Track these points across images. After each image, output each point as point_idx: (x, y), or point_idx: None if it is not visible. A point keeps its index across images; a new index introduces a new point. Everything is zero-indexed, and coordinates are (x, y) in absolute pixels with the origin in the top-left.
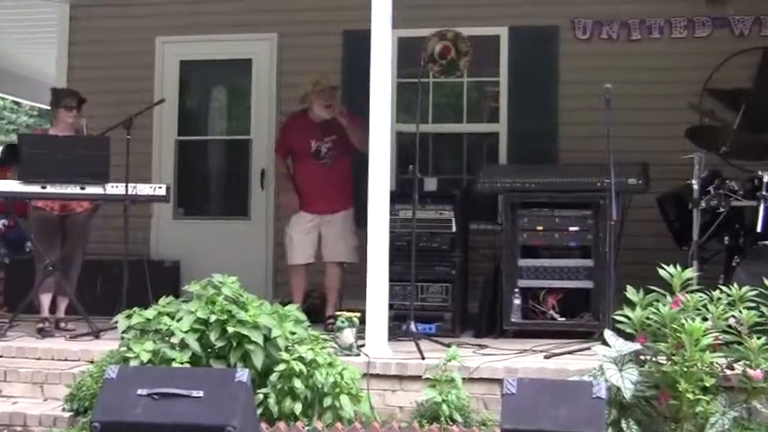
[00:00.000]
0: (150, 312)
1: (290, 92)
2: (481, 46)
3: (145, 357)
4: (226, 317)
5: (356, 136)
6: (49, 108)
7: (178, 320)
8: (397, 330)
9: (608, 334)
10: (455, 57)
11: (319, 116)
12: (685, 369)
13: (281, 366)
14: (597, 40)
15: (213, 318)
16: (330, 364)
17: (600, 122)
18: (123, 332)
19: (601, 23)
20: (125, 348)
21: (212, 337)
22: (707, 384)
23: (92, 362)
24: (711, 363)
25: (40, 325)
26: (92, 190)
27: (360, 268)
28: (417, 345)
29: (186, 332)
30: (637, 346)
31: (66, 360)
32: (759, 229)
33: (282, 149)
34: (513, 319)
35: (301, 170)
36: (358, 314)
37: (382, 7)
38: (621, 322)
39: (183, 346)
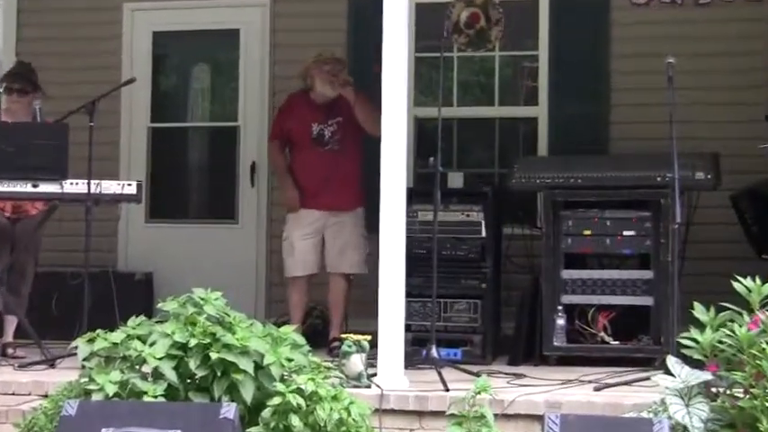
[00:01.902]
0: (117, 335)
1: (285, 69)
2: (516, 13)
3: (110, 390)
4: (208, 341)
5: (365, 113)
6: None
7: (151, 345)
8: (415, 357)
9: (672, 361)
10: (485, 26)
11: (323, 95)
12: (767, 404)
13: (276, 400)
14: (657, 4)
15: (193, 342)
16: (334, 398)
17: (661, 104)
18: (84, 359)
19: None
20: (86, 379)
21: (192, 364)
22: None
23: (45, 396)
24: None
25: None
26: (46, 188)
27: (370, 281)
28: (440, 374)
29: (161, 359)
30: (707, 375)
31: (13, 394)
32: None
33: (278, 135)
34: (555, 343)
35: (301, 159)
36: (368, 337)
37: None
38: (688, 347)
39: (158, 375)
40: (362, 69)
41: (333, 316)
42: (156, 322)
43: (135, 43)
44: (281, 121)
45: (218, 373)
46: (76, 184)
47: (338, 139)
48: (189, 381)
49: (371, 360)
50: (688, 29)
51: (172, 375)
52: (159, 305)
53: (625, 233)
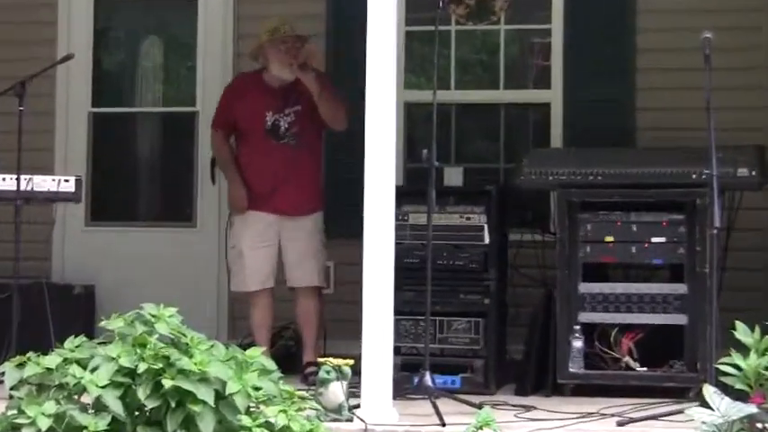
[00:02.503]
0: (52, 359)
1: (252, 45)
2: None
3: (44, 424)
4: (161, 365)
5: (329, 105)
6: None
7: (93, 371)
8: (406, 385)
9: (709, 391)
10: None
11: (279, 78)
12: None
13: None
14: None
15: (143, 367)
16: None
17: (696, 87)
18: (12, 388)
19: None
20: (15, 411)
21: (141, 394)
22: None
23: None
24: None
25: None
26: None
27: (351, 296)
28: (435, 405)
29: (104, 387)
30: (751, 408)
31: None
32: None
33: (222, 123)
34: (571, 369)
35: (251, 153)
36: (351, 361)
37: None
38: (729, 374)
39: (100, 407)
40: (344, 44)
41: (305, 337)
42: (99, 344)
43: (73, 13)
44: (226, 107)
45: (173, 404)
46: (3, 179)
47: (296, 133)
48: (137, 413)
49: (354, 389)
50: None
51: (117, 407)
52: (102, 323)
53: (654, 240)
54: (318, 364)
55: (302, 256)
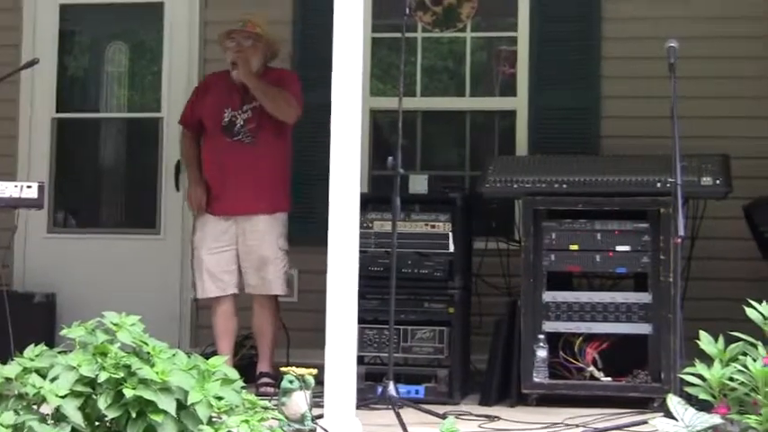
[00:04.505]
0: (12, 369)
1: (218, 50)
2: None
3: None
4: (122, 375)
5: (263, 97)
6: None
7: (53, 380)
8: (369, 394)
9: (674, 401)
10: (455, 2)
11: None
12: None
13: None
14: None
15: (104, 376)
16: None
17: (660, 96)
18: None
19: None
20: None
21: (102, 403)
22: None
23: None
24: None
25: None
26: None
27: (315, 304)
28: (399, 415)
29: (64, 397)
30: (716, 419)
31: None
32: None
33: (187, 120)
34: (536, 379)
35: (209, 151)
36: (314, 371)
37: None
38: (693, 384)
39: (60, 417)
40: (310, 50)
41: (259, 345)
42: (59, 353)
43: (38, 17)
44: (192, 103)
45: (134, 414)
46: None
47: (251, 129)
48: (98, 423)
49: (317, 398)
50: (692, 6)
51: (77, 417)
52: (63, 332)
53: (618, 248)
54: (275, 374)
55: (258, 261)
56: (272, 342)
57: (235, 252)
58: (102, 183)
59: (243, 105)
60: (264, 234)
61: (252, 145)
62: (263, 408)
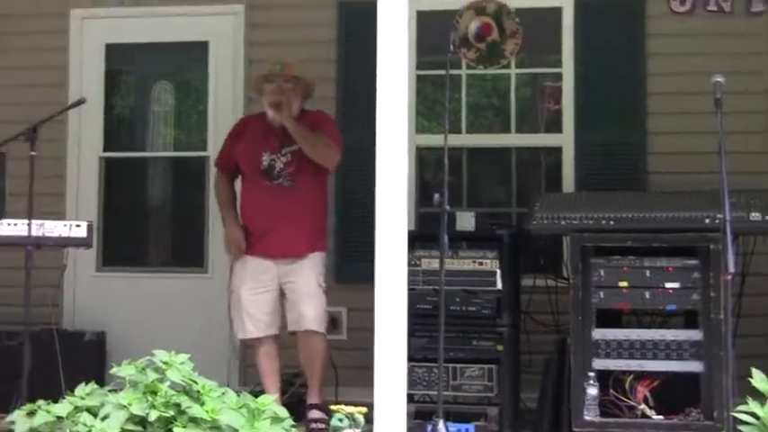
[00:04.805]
0: (63, 407)
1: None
2: (536, 23)
3: None
4: (172, 413)
5: (304, 143)
6: None
7: (103, 419)
8: None
9: None
10: (498, 38)
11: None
12: None
13: None
14: (702, 12)
15: (154, 414)
16: None
17: (707, 131)
18: None
19: None
20: None
21: None
22: None
23: None
24: None
25: None
26: None
27: (364, 342)
28: None
29: None
30: None
31: None
32: None
33: (223, 163)
34: (587, 417)
35: (247, 195)
36: (363, 409)
37: None
38: (746, 423)
39: None
40: (353, 87)
41: (308, 378)
42: (109, 391)
43: (85, 57)
44: (229, 147)
45: None
46: (15, 224)
47: (291, 173)
48: None
49: None
50: (738, 42)
51: None
52: (113, 371)
53: (668, 285)
54: (327, 409)
55: (298, 299)
56: (320, 374)
57: (274, 293)
58: (150, 221)
59: (281, 149)
60: (303, 273)
61: (291, 189)
62: None
